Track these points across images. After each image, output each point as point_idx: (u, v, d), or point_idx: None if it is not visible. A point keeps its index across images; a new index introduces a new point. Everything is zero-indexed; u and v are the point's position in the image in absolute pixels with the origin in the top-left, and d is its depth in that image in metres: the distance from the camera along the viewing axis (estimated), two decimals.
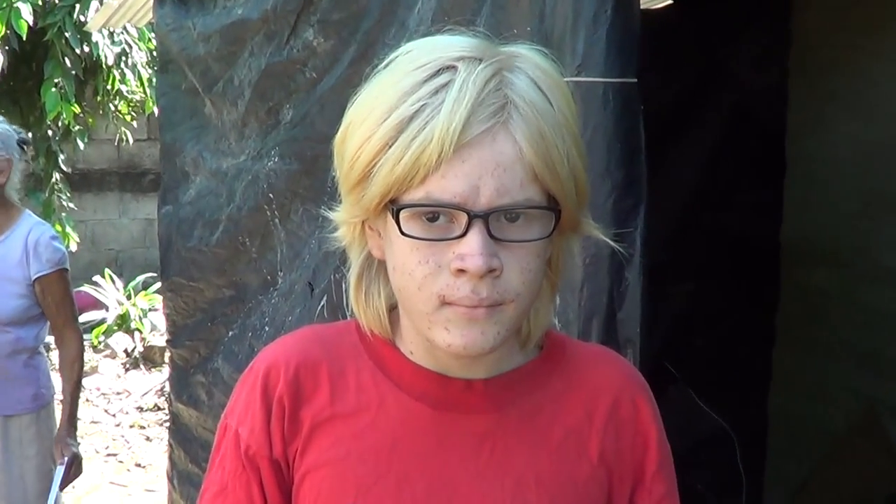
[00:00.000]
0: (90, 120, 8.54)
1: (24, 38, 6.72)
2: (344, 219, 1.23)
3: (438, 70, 1.10)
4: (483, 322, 1.11)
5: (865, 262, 4.29)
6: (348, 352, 1.29)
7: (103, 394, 8.05)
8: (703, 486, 3.48)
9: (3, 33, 6.46)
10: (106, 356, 8.81)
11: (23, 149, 3.73)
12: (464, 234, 1.09)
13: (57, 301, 3.63)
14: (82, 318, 8.79)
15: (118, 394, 7.98)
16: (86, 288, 9.30)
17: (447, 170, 1.08)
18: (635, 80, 1.81)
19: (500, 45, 1.16)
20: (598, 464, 1.27)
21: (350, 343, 1.29)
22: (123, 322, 8.99)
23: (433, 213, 1.10)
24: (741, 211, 4.30)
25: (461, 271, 1.09)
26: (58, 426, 3.76)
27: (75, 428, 3.76)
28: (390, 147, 1.09)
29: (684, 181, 3.82)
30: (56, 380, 3.87)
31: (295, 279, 2.86)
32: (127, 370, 8.59)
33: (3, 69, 6.99)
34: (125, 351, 8.79)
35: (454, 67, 1.09)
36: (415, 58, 1.12)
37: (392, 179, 1.09)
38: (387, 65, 1.16)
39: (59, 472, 3.64)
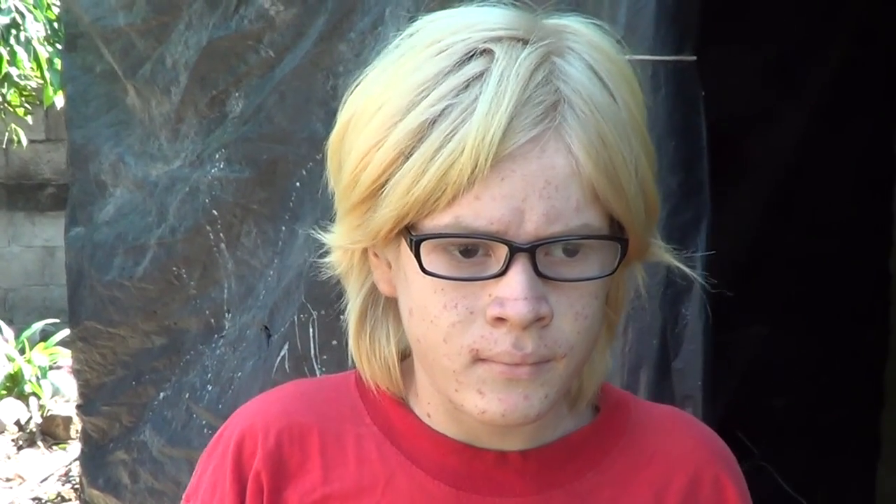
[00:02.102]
0: None
1: None
2: (340, 243, 1.22)
3: (469, 55, 1.08)
4: (527, 383, 1.10)
5: None
6: (346, 414, 1.29)
7: None
8: None
9: None
10: None
11: None
12: (503, 273, 1.07)
13: None
14: None
15: (8, 480, 7.96)
16: None
17: (482, 189, 1.05)
18: (694, 57, 1.83)
19: (540, 16, 1.14)
20: None
21: (348, 403, 1.29)
22: (14, 384, 8.95)
23: (466, 244, 1.08)
24: (838, 230, 4.31)
25: (500, 320, 1.07)
26: None
27: None
28: (408, 158, 1.07)
29: (763, 190, 3.83)
30: None
31: (247, 322, 2.87)
32: (20, 449, 8.56)
33: None
34: (17, 423, 8.77)
35: (490, 52, 1.08)
36: (436, 37, 1.11)
37: (410, 201, 1.07)
38: (399, 44, 1.14)
39: None
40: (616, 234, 1.11)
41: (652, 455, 1.29)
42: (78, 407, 3.73)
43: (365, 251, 1.20)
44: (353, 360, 1.27)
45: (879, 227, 4.41)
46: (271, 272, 2.79)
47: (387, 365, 1.25)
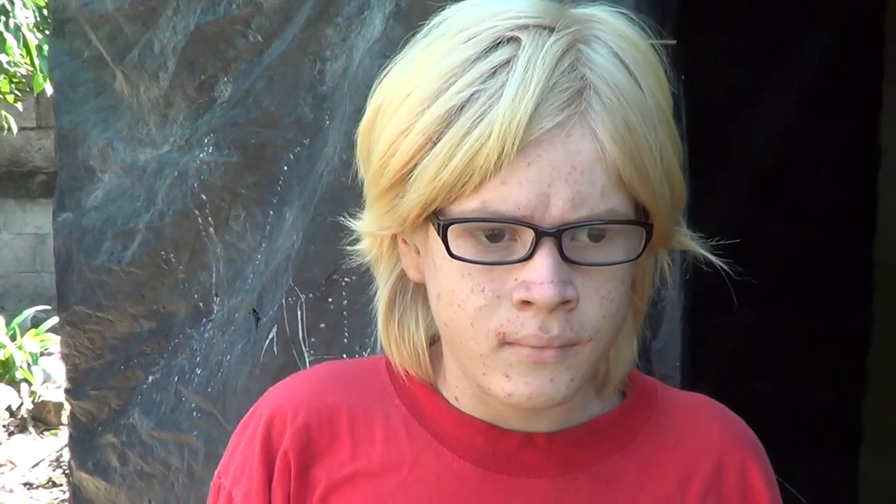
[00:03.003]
0: None
1: None
2: (369, 230, 1.23)
3: (496, 42, 1.09)
4: (553, 367, 1.11)
5: None
6: (375, 395, 1.31)
7: None
8: None
9: None
10: None
11: None
12: (530, 257, 1.08)
13: None
14: None
15: (0, 467, 7.97)
16: None
17: (509, 174, 1.06)
18: (674, 41, 1.83)
19: (569, 5, 1.15)
20: None
21: (378, 384, 1.31)
22: (6, 371, 8.95)
23: (494, 229, 1.09)
24: (823, 218, 4.32)
25: (526, 303, 1.08)
26: None
27: None
28: (436, 144, 1.08)
29: (748, 178, 3.83)
30: None
31: (235, 306, 2.87)
32: (11, 434, 8.56)
33: None
34: (8, 409, 8.76)
35: (517, 39, 1.08)
36: (464, 25, 1.12)
37: (438, 186, 1.08)
38: (427, 33, 1.15)
39: None
40: (641, 219, 1.12)
41: (677, 441, 1.29)
42: (66, 391, 3.72)
43: (394, 238, 1.22)
44: (381, 345, 1.29)
45: (864, 215, 4.41)
46: (259, 256, 2.78)
47: (415, 350, 1.27)
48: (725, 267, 1.26)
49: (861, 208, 4.56)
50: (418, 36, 1.17)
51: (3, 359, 8.95)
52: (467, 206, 1.08)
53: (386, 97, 1.15)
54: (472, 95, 1.07)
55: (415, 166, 1.10)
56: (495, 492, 1.24)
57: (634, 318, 1.28)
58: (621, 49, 1.11)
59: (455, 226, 1.09)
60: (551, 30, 1.09)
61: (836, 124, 4.37)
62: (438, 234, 1.11)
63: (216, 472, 1.35)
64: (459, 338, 1.14)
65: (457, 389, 1.27)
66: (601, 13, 1.14)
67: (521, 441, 1.25)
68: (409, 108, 1.10)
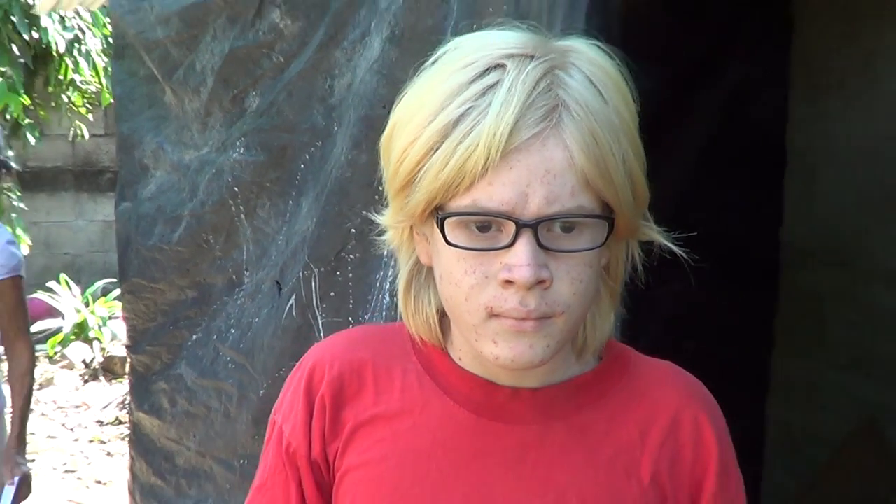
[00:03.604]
0: (42, 113, 8.46)
1: None
2: (390, 223, 1.23)
3: (486, 69, 1.08)
4: (531, 335, 1.11)
5: (868, 263, 4.32)
6: (397, 353, 1.31)
7: (60, 407, 8.01)
8: None
9: None
10: (63, 367, 8.78)
11: (2, 168, 3.78)
12: (511, 244, 1.08)
13: (9, 309, 3.61)
14: (36, 327, 8.83)
15: (76, 407, 7.94)
16: (40, 295, 9.24)
17: (494, 176, 1.06)
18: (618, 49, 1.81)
19: (553, 39, 1.15)
20: (650, 486, 1.23)
21: (400, 344, 1.31)
22: (81, 331, 8.93)
23: (482, 221, 1.09)
24: (737, 209, 4.32)
25: (508, 282, 1.08)
26: (6, 442, 3.75)
27: (25, 444, 3.74)
28: (435, 152, 1.08)
29: (676, 177, 3.82)
30: (6, 392, 3.86)
31: (262, 278, 2.85)
32: (85, 382, 8.54)
33: None
34: (83, 362, 8.75)
35: (503, 66, 1.08)
36: (462, 55, 1.12)
37: (437, 186, 1.09)
38: (434, 61, 1.15)
39: (9, 492, 3.64)
40: (605, 214, 1.11)
41: (641, 399, 1.28)
42: (127, 347, 3.71)
43: (411, 231, 1.22)
44: (401, 316, 1.29)
45: (772, 206, 4.41)
46: (281, 237, 2.76)
47: (428, 321, 1.27)
48: (685, 255, 1.25)
49: (771, 199, 4.57)
50: (426, 64, 1.16)
51: (79, 321, 8.95)
52: (461, 202, 1.09)
53: (400, 115, 1.15)
54: (465, 112, 1.07)
55: (419, 170, 1.10)
56: (486, 434, 1.24)
57: (612, 298, 1.27)
58: (593, 74, 1.10)
59: (451, 218, 1.10)
60: (532, 58, 1.09)
61: (749, 136, 4.36)
62: (437, 226, 1.12)
63: (273, 410, 1.35)
64: (457, 311, 1.15)
65: (460, 352, 1.27)
66: (578, 44, 1.14)
67: (510, 394, 1.24)
68: (416, 123, 1.11)
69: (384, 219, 1.24)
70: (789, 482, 4.44)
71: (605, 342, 1.29)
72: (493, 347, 1.12)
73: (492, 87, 1.07)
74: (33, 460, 6.82)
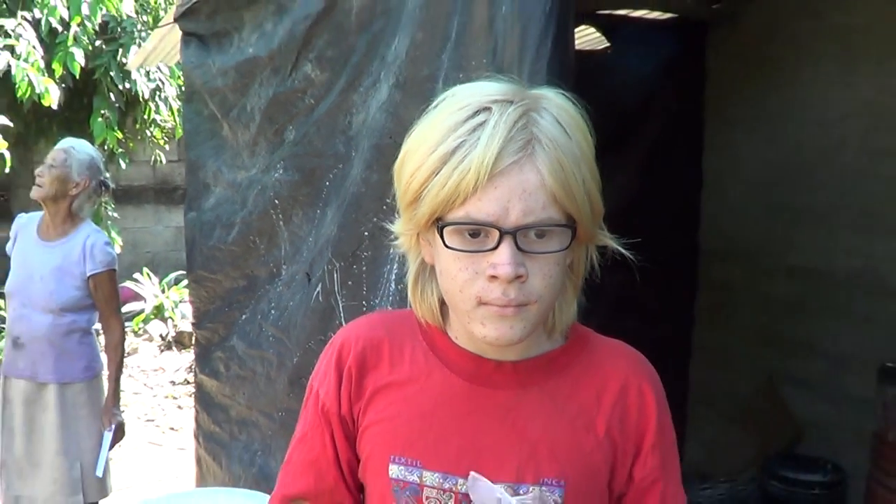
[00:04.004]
0: (131, 144, 8.46)
1: (77, 77, 6.67)
2: (401, 231, 1.23)
3: (476, 111, 1.10)
4: (512, 318, 1.12)
5: (767, 259, 4.32)
6: (407, 333, 1.30)
7: (143, 370, 7.99)
8: None
9: (60, 73, 6.39)
10: (144, 340, 8.75)
11: (102, 186, 3.81)
12: (496, 247, 1.09)
13: (105, 296, 3.65)
14: (125, 309, 8.82)
15: (155, 370, 7.92)
16: (128, 284, 9.24)
17: (482, 194, 1.08)
18: (589, 106, 1.79)
19: (529, 88, 1.16)
20: (604, 438, 1.24)
21: (409, 326, 1.31)
22: (159, 311, 8.92)
23: (473, 229, 1.10)
24: (669, 216, 4.32)
25: (494, 277, 1.09)
26: (105, 398, 3.78)
27: (119, 399, 3.79)
28: (436, 175, 1.10)
29: (624, 191, 3.82)
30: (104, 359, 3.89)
31: (295, 271, 2.83)
32: (162, 351, 8.52)
33: (60, 102, 6.93)
34: (160, 335, 8.73)
35: (489, 108, 1.10)
36: (457, 100, 1.13)
37: (438, 201, 1.10)
38: (436, 105, 1.16)
39: (107, 436, 3.69)
40: (569, 223, 1.12)
41: (597, 370, 1.28)
42: (193, 324, 3.69)
43: (418, 237, 1.21)
44: (409, 303, 1.29)
45: (691, 214, 4.40)
46: (311, 239, 2.74)
47: (431, 308, 1.27)
48: (630, 256, 1.25)
49: (691, 209, 4.57)
50: (430, 107, 1.17)
51: (157, 304, 8.92)
52: (457, 214, 1.10)
53: (409, 146, 1.16)
54: (460, 144, 1.09)
55: (424, 189, 1.12)
56: (477, 397, 1.24)
57: (573, 290, 1.27)
58: (559, 115, 1.12)
59: (449, 227, 1.11)
60: (512, 102, 1.11)
61: (674, 159, 4.36)
62: (438, 233, 1.13)
63: (310, 378, 1.35)
64: (453, 300, 1.16)
65: (456, 332, 1.26)
66: (548, 92, 1.16)
67: (495, 366, 1.25)
68: (422, 152, 1.12)
69: (396, 227, 1.24)
70: (708, 429, 4.45)
71: (570, 325, 1.29)
72: (481, 328, 1.13)
73: (480, 125, 1.09)
74: (123, 410, 6.81)
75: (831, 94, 3.96)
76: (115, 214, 8.28)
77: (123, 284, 9.00)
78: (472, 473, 1.21)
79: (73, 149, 3.74)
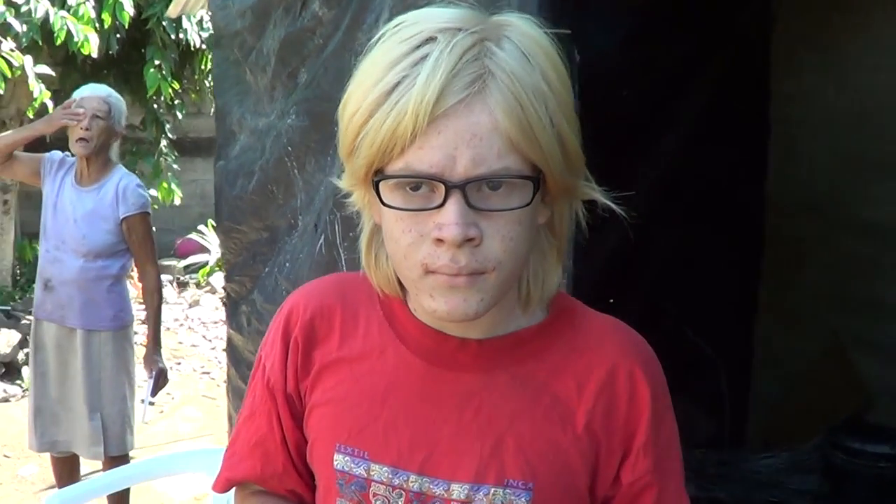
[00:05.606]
0: (193, 95, 8.45)
1: (128, 27, 6.67)
2: (346, 186, 1.08)
3: (420, 43, 0.94)
4: (465, 290, 0.96)
5: (839, 213, 4.12)
6: (363, 301, 1.15)
7: (203, 323, 8.08)
8: (688, 408, 3.35)
9: (110, 23, 6.38)
10: (207, 292, 8.86)
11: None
12: (442, 205, 0.93)
13: (139, 238, 3.73)
14: (190, 260, 8.91)
15: (215, 323, 8.00)
16: (193, 235, 9.37)
17: (424, 141, 0.92)
18: (569, 31, 1.61)
19: (489, 15, 0.99)
20: (583, 434, 1.07)
21: (367, 292, 1.15)
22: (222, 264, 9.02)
23: (414, 183, 0.95)
24: (731, 167, 4.12)
25: (440, 241, 0.94)
26: (146, 346, 3.86)
27: (160, 346, 3.89)
28: (371, 119, 0.94)
29: (679, 136, 3.64)
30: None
31: (308, 221, 2.75)
32: (224, 303, 8.61)
33: (113, 53, 6.95)
34: (223, 288, 8.83)
35: (435, 38, 0.93)
36: (402, 30, 0.97)
37: (373, 151, 0.94)
38: (379, 38, 1.00)
39: (149, 384, 3.79)
40: (533, 174, 0.95)
41: (583, 353, 1.10)
42: (224, 276, 3.69)
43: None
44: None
45: (757, 164, 4.21)
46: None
47: (387, 276, 1.09)
48: (623, 213, 1.08)
49: (755, 160, 4.36)
50: (372, 42, 1.00)
51: (221, 257, 9.05)
52: (395, 166, 0.94)
53: (350, 87, 1.00)
54: (398, 82, 0.92)
55: (360, 136, 0.96)
56: (435, 381, 1.09)
57: (556, 254, 1.09)
58: (523, 44, 0.95)
59: (387, 181, 0.96)
60: (460, 30, 0.93)
61: (737, 106, 4.16)
62: (372, 188, 0.97)
63: (259, 347, 1.22)
64: (399, 267, 1.01)
65: (415, 303, 1.10)
66: (513, 19, 0.98)
67: (457, 344, 1.08)
68: (358, 95, 0.96)
69: (342, 182, 1.08)
70: (772, 393, 4.27)
71: (554, 296, 1.12)
72: (430, 301, 0.98)
73: (423, 58, 0.92)
74: (179, 363, 6.89)
75: None
76: (176, 166, 8.29)
77: (189, 236, 9.11)
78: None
79: (112, 97, 3.77)
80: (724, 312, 3.96)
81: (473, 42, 0.93)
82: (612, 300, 3.11)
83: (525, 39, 0.96)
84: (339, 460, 1.11)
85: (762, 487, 3.72)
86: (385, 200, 0.96)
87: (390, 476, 1.08)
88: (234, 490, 1.27)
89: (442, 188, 0.93)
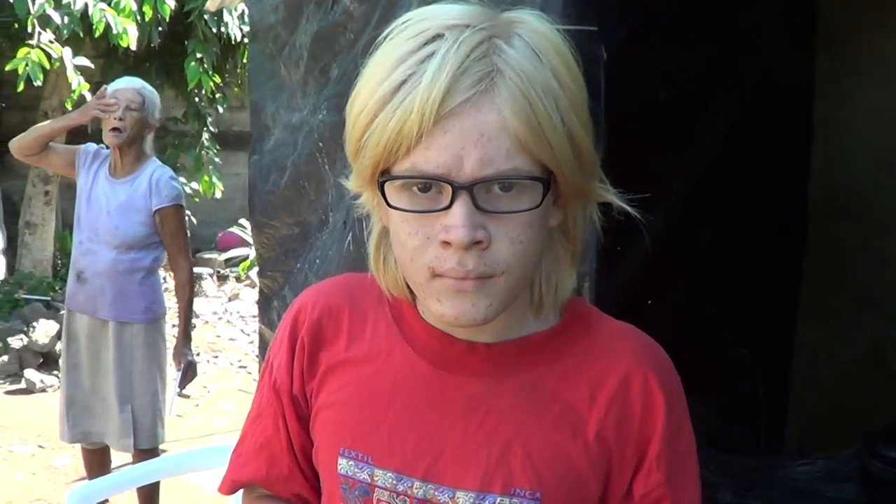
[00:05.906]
0: (235, 89, 8.50)
1: (170, 20, 6.73)
2: (351, 186, 1.07)
3: (427, 40, 0.93)
4: (473, 294, 0.95)
5: (883, 216, 4.06)
6: (372, 301, 1.15)
7: (242, 317, 8.12)
8: (725, 413, 3.31)
9: (150, 16, 6.44)
10: (246, 286, 8.89)
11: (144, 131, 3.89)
12: (449, 206, 0.92)
13: (172, 231, 3.75)
14: (231, 253, 8.98)
15: (254, 317, 8.02)
16: (234, 229, 9.41)
17: (430, 141, 0.91)
18: (595, 28, 1.58)
19: (500, 12, 0.98)
20: (594, 443, 1.05)
21: (376, 293, 1.14)
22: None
23: (421, 184, 0.94)
24: (772, 167, 4.06)
25: (447, 243, 0.93)
26: (176, 339, 3.88)
27: (190, 339, 3.89)
28: (376, 119, 0.93)
29: (717, 141, 3.58)
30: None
31: (338, 218, 2.74)
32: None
33: (156, 46, 7.00)
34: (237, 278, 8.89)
35: (442, 36, 0.92)
36: (409, 27, 0.96)
37: (379, 151, 0.93)
38: (387, 35, 0.99)
39: (178, 376, 3.81)
40: (543, 175, 0.93)
41: (596, 360, 1.08)
42: (258, 271, 3.68)
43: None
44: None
45: (801, 167, 4.14)
46: None
47: (395, 278, 1.08)
48: (638, 215, 1.05)
49: (800, 164, 4.29)
50: (379, 39, 1.00)
51: None
52: (402, 166, 0.93)
53: (358, 85, 0.99)
54: (404, 81, 0.91)
55: (366, 136, 0.95)
56: (440, 385, 1.07)
57: (570, 258, 1.08)
58: (534, 42, 0.93)
59: (393, 182, 0.94)
60: (469, 27, 0.92)
61: (780, 107, 4.09)
62: (378, 189, 0.96)
63: (268, 348, 1.22)
64: (406, 270, 1.00)
65: (423, 305, 1.08)
66: (525, 16, 0.97)
67: (465, 348, 1.07)
68: (365, 93, 0.95)
69: (350, 183, 1.07)
70: (810, 399, 4.21)
71: (568, 301, 1.10)
72: (437, 305, 0.97)
73: (430, 56, 0.91)
74: (217, 357, 6.93)
75: None
76: (217, 160, 8.34)
77: (230, 230, 9.16)
78: None
79: (145, 89, 3.79)
80: (763, 317, 3.90)
81: (482, 39, 0.92)
82: (650, 301, 3.08)
83: (536, 36, 0.94)
84: (343, 465, 1.09)
85: (799, 495, 3.66)
86: (391, 202, 0.95)
87: (394, 482, 1.07)
88: (241, 492, 1.26)
89: (449, 189, 0.92)
